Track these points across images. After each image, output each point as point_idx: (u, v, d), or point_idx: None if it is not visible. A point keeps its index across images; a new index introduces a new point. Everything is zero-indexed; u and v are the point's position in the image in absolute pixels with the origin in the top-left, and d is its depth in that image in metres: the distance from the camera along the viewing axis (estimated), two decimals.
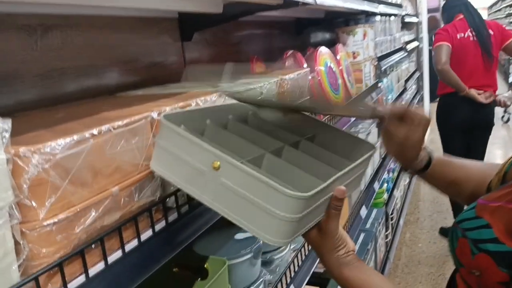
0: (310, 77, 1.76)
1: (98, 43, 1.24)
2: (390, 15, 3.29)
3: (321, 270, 1.93)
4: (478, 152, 3.48)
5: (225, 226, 1.37)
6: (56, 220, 0.62)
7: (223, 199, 0.72)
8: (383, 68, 3.11)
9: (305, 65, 1.82)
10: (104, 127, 0.71)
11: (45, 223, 0.61)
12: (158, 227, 0.83)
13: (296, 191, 0.67)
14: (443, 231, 3.80)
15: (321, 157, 0.93)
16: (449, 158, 0.99)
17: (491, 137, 3.60)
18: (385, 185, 3.38)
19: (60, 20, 1.11)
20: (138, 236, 0.78)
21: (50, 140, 0.62)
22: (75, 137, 0.66)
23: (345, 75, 2.20)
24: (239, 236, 1.28)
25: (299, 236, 0.75)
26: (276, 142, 0.92)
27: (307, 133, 1.01)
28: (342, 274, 0.78)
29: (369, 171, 2.89)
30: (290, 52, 1.97)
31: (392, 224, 3.50)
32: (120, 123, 0.74)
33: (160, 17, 1.52)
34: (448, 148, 3.58)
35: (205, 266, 1.13)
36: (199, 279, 1.14)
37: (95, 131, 0.69)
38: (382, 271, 3.13)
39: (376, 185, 2.91)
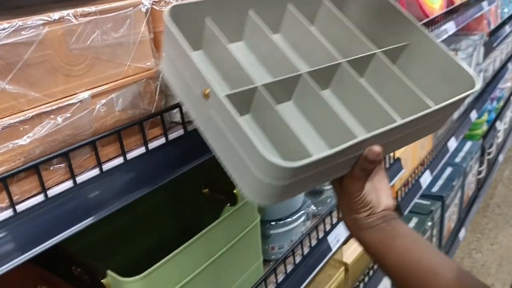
0: None
1: None
2: None
3: None
4: None
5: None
6: None
7: (212, 133, 0.58)
8: None
9: None
10: (66, 13, 0.55)
11: None
12: (155, 144, 0.69)
13: (292, 151, 0.54)
14: None
15: (388, 89, 0.69)
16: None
17: None
18: (486, 115, 2.94)
19: None
20: (123, 153, 0.64)
21: None
22: (20, 22, 0.51)
23: None
24: None
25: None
26: (334, 55, 0.69)
27: (388, 44, 0.73)
28: (361, 238, 0.63)
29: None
30: None
31: (488, 159, 3.10)
32: (90, 9, 0.57)
33: None
34: None
35: (234, 191, 0.99)
36: (228, 204, 1.02)
37: (52, 17, 0.53)
38: (468, 209, 2.82)
39: (473, 115, 2.51)
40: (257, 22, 0.69)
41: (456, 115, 2.33)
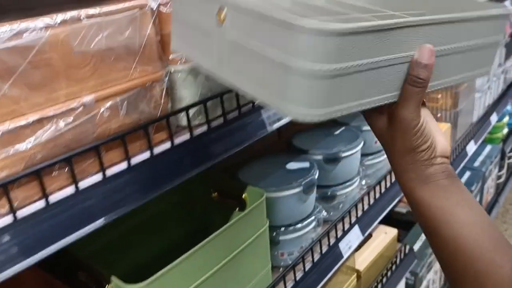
0: None
1: None
2: None
3: (404, 210, 1.69)
4: None
5: (280, 153, 1.18)
6: None
7: (236, 63, 0.51)
8: None
9: None
10: (69, 15, 0.53)
11: None
12: (160, 149, 0.68)
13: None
14: None
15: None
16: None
17: None
18: (507, 118, 2.86)
19: None
20: (128, 158, 0.63)
21: None
22: (22, 25, 0.50)
23: None
24: (291, 166, 1.08)
25: (351, 111, 0.47)
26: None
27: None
28: (414, 191, 0.51)
29: (487, 100, 2.43)
30: None
31: (509, 163, 3.02)
32: (94, 11, 0.56)
33: None
34: None
35: (243, 196, 0.97)
36: (237, 208, 1.00)
37: (54, 20, 0.52)
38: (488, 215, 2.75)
39: (493, 117, 2.45)
40: None
41: (475, 117, 2.27)
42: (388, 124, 0.51)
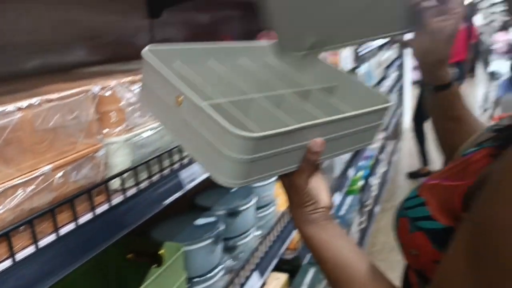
0: None
1: (58, 17, 1.16)
2: None
3: (290, 257, 1.91)
4: None
5: (185, 211, 1.32)
6: None
7: (184, 134, 0.68)
8: (362, 54, 3.08)
9: None
10: (34, 100, 0.65)
11: None
12: (100, 210, 0.78)
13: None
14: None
15: (326, 113, 0.82)
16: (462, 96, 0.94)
17: None
18: (361, 172, 3.37)
19: None
20: (75, 219, 0.73)
21: None
22: None
23: None
24: (199, 221, 1.23)
25: (260, 180, 0.69)
26: (282, 87, 0.84)
27: (322, 83, 0.91)
28: (305, 231, 0.73)
29: (345, 157, 2.86)
30: (263, 33, 1.92)
31: (367, 211, 3.50)
32: (53, 96, 0.68)
33: None
34: None
35: (160, 252, 1.08)
36: (155, 265, 1.10)
37: (23, 104, 0.63)
38: None
39: (351, 172, 2.89)
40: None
41: (338, 172, 2.66)
42: (288, 183, 0.74)
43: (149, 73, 0.72)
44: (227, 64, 0.86)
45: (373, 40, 0.93)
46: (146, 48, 0.72)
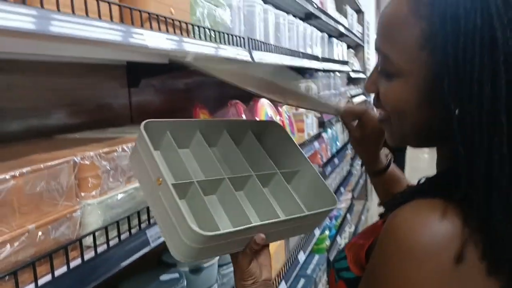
0: None
1: (43, 86, 1.31)
2: (335, 71, 3.52)
3: None
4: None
5: (152, 267, 1.42)
6: None
7: (158, 209, 0.82)
8: (327, 120, 3.30)
9: (243, 116, 1.95)
10: (25, 170, 0.78)
11: None
12: (74, 263, 0.90)
13: (209, 227, 0.78)
14: None
15: (282, 198, 0.98)
16: (399, 172, 1.06)
17: None
18: (327, 231, 3.49)
19: (5, 65, 1.19)
20: (52, 271, 0.84)
21: None
22: None
23: (286, 126, 2.34)
24: (164, 277, 1.33)
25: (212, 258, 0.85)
26: (249, 169, 0.97)
27: (286, 167, 1.03)
28: None
29: None
30: (234, 101, 2.10)
31: None
32: (41, 166, 0.82)
33: (108, 64, 1.61)
34: None
35: None
36: None
37: (16, 173, 0.76)
38: None
39: (316, 231, 3.01)
40: (200, 138, 0.98)
41: None
42: (235, 262, 0.88)
43: (142, 144, 0.86)
44: (213, 136, 1.01)
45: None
46: (143, 123, 0.87)
